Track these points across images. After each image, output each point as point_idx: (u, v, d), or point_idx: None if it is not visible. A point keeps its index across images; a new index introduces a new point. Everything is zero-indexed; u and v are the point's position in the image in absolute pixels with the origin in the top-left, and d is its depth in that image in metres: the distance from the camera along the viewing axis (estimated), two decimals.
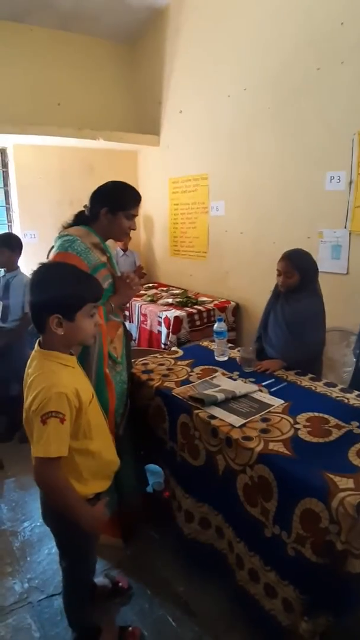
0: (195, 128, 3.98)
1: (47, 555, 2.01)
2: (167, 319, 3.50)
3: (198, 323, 3.57)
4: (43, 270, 1.32)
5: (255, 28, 3.25)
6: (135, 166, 4.93)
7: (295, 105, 3.02)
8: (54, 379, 1.21)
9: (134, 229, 1.94)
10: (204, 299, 3.88)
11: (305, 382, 2.02)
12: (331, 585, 1.23)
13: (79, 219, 1.92)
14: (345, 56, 2.67)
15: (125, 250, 4.61)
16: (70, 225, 1.92)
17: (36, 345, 1.31)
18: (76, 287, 1.29)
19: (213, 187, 3.91)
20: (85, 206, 1.94)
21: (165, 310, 3.59)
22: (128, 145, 4.40)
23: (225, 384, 1.99)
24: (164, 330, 3.55)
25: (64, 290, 1.26)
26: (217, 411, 1.74)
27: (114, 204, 1.84)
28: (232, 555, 1.63)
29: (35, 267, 1.33)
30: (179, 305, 3.72)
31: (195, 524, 1.79)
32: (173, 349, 3.27)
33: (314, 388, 1.95)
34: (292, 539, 1.33)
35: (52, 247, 1.94)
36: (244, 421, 1.65)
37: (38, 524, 2.19)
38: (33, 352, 1.31)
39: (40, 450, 1.16)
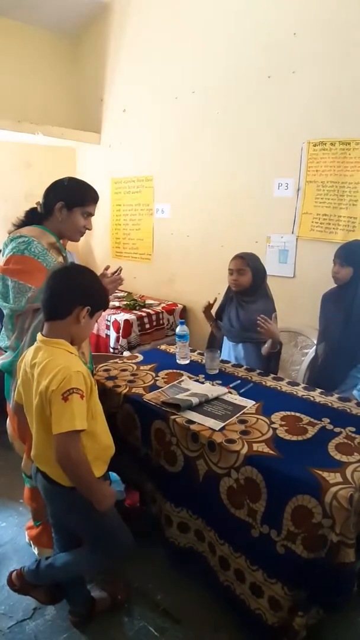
0: (140, 128, 3.93)
1: None
2: (116, 322, 3.43)
3: (147, 326, 3.54)
4: (76, 267, 1.49)
5: (207, 32, 3.24)
6: (74, 164, 4.76)
7: (245, 111, 3.08)
8: (68, 361, 1.30)
9: (89, 229, 1.87)
10: (151, 301, 3.85)
11: (269, 382, 2.09)
12: (323, 579, 1.29)
13: (31, 217, 1.81)
14: (297, 66, 2.76)
15: None
16: (21, 224, 1.81)
17: (39, 336, 1.37)
18: (103, 291, 1.47)
19: (158, 189, 3.89)
20: (38, 203, 1.83)
21: (113, 314, 3.51)
22: (66, 141, 4.23)
23: (194, 387, 1.99)
24: (112, 334, 3.47)
25: (97, 289, 1.43)
26: (193, 415, 1.74)
27: (70, 198, 1.76)
28: (215, 557, 1.64)
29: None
30: (127, 309, 3.66)
31: (174, 529, 1.78)
32: (126, 353, 3.22)
33: (279, 387, 2.02)
34: (282, 537, 1.37)
35: (0, 250, 1.81)
36: (223, 424, 1.66)
37: None
38: (36, 343, 1.37)
39: (65, 425, 1.21)
